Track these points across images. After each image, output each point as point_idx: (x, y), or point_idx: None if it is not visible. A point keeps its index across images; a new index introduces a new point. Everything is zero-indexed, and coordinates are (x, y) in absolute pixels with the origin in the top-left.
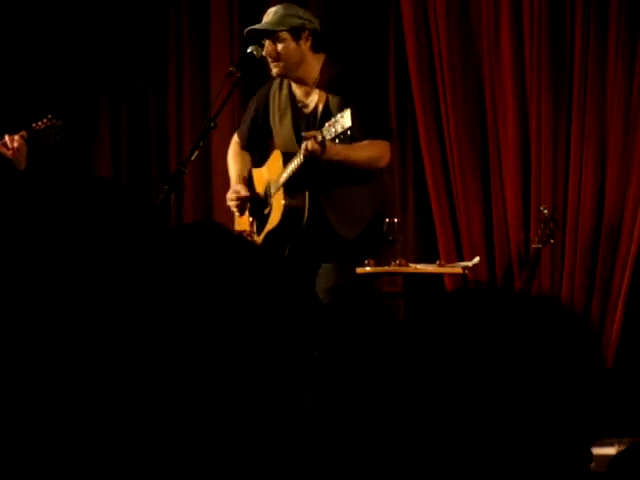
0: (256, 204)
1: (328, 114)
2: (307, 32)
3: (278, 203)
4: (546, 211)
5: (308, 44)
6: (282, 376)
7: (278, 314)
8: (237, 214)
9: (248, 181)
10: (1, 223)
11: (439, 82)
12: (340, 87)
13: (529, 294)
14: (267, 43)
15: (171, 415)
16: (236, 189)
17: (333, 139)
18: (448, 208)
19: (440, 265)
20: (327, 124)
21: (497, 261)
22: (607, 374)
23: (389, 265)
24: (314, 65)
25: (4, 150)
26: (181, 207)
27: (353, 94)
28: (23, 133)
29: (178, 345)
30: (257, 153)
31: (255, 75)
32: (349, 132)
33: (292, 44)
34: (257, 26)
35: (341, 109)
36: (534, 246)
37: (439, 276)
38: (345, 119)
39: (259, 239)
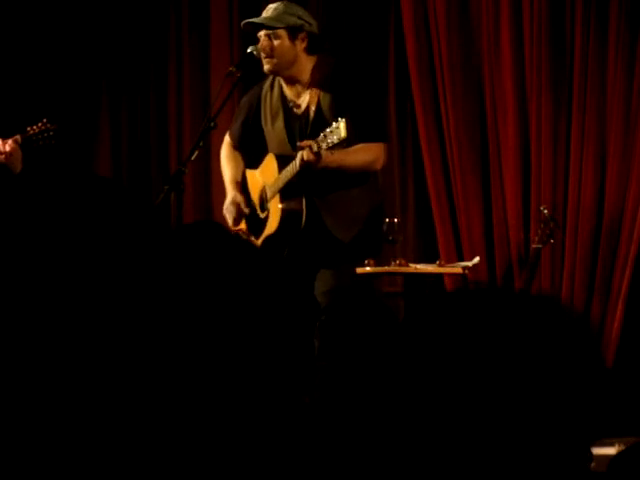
0: (252, 208)
1: (320, 115)
2: (304, 33)
3: (275, 208)
4: (546, 211)
5: (303, 45)
6: (281, 375)
7: (277, 313)
8: (230, 222)
9: (242, 183)
10: None
11: (439, 82)
12: (332, 86)
13: (529, 294)
14: (263, 38)
15: (170, 414)
16: (236, 201)
17: (328, 149)
18: (448, 208)
19: (440, 265)
20: (322, 134)
21: (497, 261)
22: (607, 374)
23: (389, 265)
24: (306, 66)
25: None
26: (181, 207)
27: (345, 96)
28: (17, 137)
29: (177, 344)
30: (250, 153)
31: (255, 75)
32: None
33: (287, 42)
34: (255, 20)
35: (333, 108)
36: (534, 246)
37: (439, 276)
38: (340, 130)
39: (257, 242)
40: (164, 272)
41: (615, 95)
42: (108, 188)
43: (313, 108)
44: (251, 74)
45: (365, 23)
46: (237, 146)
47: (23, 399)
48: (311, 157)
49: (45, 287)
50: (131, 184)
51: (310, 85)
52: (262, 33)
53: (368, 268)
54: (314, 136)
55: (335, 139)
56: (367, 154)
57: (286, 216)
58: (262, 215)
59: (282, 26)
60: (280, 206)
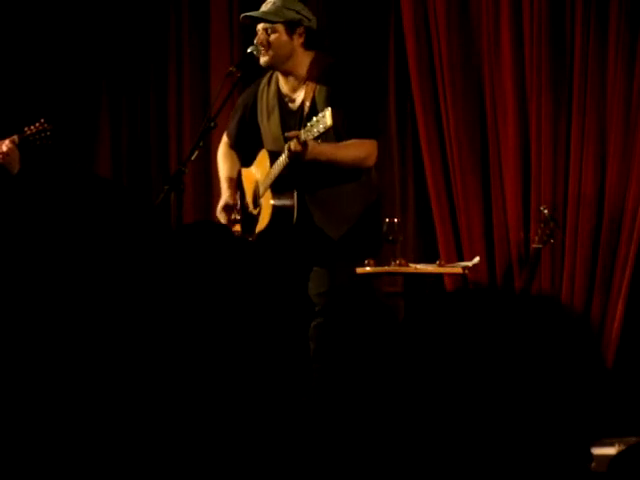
0: (245, 207)
1: (314, 110)
2: (302, 28)
3: (267, 203)
4: (546, 211)
5: (301, 40)
6: (280, 375)
7: (276, 313)
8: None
9: (238, 181)
10: None
11: (439, 82)
12: (329, 80)
13: (529, 294)
14: (260, 31)
15: (169, 413)
16: (228, 205)
17: (316, 139)
18: (448, 208)
19: (440, 265)
20: (309, 124)
21: (497, 261)
22: (607, 374)
23: (389, 265)
24: (303, 61)
25: None
26: (181, 207)
27: (341, 90)
28: (14, 138)
29: (177, 344)
30: (246, 151)
31: (255, 75)
32: (332, 131)
33: (285, 37)
34: (253, 13)
35: (327, 102)
36: (534, 246)
37: (439, 276)
38: (326, 118)
39: (250, 239)
40: (164, 272)
41: (615, 95)
42: (108, 188)
43: (308, 104)
44: (251, 74)
45: (365, 23)
46: (234, 145)
47: (23, 398)
48: (298, 147)
49: (45, 287)
50: (131, 184)
51: (307, 79)
52: (260, 26)
53: (368, 268)
54: None
55: (321, 128)
56: (359, 150)
57: (277, 212)
58: (255, 211)
59: (280, 20)
60: (272, 202)
